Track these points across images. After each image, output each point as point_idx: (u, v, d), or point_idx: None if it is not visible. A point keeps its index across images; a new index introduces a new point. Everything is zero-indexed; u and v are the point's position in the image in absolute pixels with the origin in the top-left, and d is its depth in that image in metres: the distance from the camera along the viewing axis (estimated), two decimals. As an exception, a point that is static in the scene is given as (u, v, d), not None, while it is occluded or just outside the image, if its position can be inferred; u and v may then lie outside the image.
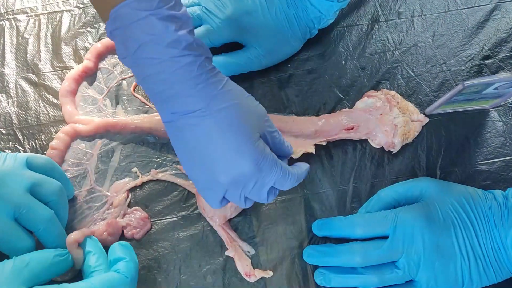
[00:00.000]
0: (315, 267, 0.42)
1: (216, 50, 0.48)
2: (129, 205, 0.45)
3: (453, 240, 0.39)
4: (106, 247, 0.43)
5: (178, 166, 0.47)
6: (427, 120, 0.47)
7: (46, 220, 0.39)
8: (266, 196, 0.36)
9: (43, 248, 0.40)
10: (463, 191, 0.41)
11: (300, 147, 0.45)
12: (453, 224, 0.39)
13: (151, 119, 0.48)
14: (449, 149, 0.47)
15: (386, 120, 0.46)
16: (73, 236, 0.40)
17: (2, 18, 0.55)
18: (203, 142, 0.34)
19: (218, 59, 0.47)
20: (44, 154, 0.47)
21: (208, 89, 0.34)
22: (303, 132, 0.46)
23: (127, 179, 0.46)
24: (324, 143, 0.46)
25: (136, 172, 0.47)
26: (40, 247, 0.40)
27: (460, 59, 0.51)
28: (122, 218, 0.44)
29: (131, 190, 0.46)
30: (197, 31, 0.47)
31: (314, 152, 0.45)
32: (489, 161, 0.46)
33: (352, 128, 0.46)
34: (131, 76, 0.51)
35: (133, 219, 0.44)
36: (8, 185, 0.38)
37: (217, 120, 0.34)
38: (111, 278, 0.36)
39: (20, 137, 0.48)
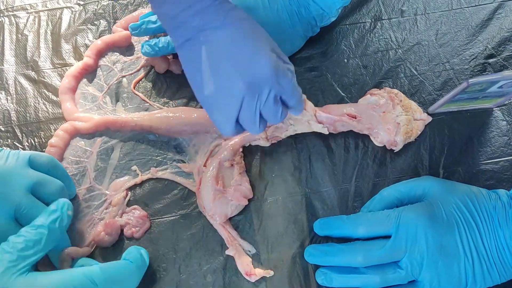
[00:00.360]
0: (317, 267, 0.42)
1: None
2: (129, 204, 0.45)
3: (457, 240, 0.38)
4: (104, 248, 0.43)
5: (179, 164, 0.46)
6: (430, 119, 0.47)
7: (60, 189, 0.40)
8: (280, 112, 0.37)
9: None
10: (467, 191, 0.40)
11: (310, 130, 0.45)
12: (456, 224, 0.39)
13: (151, 116, 0.47)
14: (452, 148, 0.46)
15: (388, 118, 0.45)
16: (67, 251, 0.40)
17: (1, 15, 0.55)
18: (222, 51, 0.36)
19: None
20: (43, 151, 0.46)
21: (225, 4, 0.37)
22: (305, 115, 0.46)
23: (126, 177, 0.46)
24: (326, 132, 0.46)
25: (135, 171, 0.46)
26: None
27: (463, 58, 0.50)
28: (121, 217, 0.44)
29: (131, 188, 0.46)
30: None
31: (326, 132, 0.46)
32: (492, 160, 0.46)
33: (355, 117, 0.45)
34: (131, 74, 0.51)
35: (132, 218, 0.44)
36: (10, 184, 0.38)
37: (236, 28, 0.36)
38: (116, 262, 0.38)
39: (19, 134, 0.48)
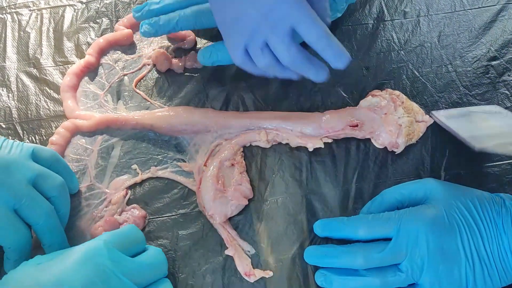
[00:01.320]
0: (316, 268, 0.42)
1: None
2: (129, 203, 0.45)
3: (458, 244, 0.38)
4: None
5: (179, 164, 0.46)
6: (432, 121, 0.46)
7: (47, 214, 0.39)
8: (292, 48, 0.36)
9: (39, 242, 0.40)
10: (469, 194, 0.40)
11: (309, 142, 0.44)
12: (458, 228, 0.38)
13: (152, 115, 0.47)
14: (454, 150, 0.46)
15: (390, 119, 0.45)
16: None
17: (4, 12, 0.55)
18: None
19: (219, 46, 0.47)
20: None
21: None
22: (308, 128, 0.45)
23: (126, 176, 0.46)
24: (330, 140, 0.45)
25: (136, 169, 0.46)
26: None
27: (466, 60, 0.50)
28: (120, 215, 0.44)
29: (131, 187, 0.46)
30: (186, 11, 0.46)
31: (323, 146, 0.45)
32: (494, 163, 0.46)
33: (356, 125, 0.45)
34: (132, 72, 0.51)
35: (130, 217, 0.44)
36: (12, 174, 0.38)
37: None
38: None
39: (20, 131, 0.48)
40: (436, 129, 0.47)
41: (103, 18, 0.54)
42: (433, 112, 0.47)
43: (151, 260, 0.38)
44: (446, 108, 0.48)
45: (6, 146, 0.39)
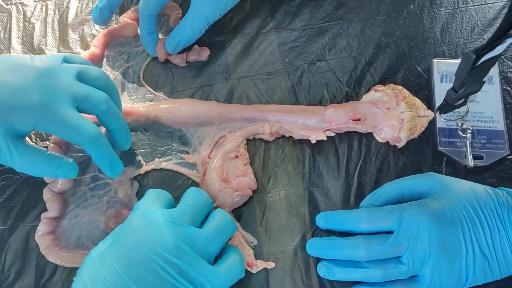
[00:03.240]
0: (318, 260, 0.42)
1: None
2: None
3: (460, 238, 0.38)
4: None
5: (183, 155, 0.47)
6: (433, 115, 0.47)
7: (106, 100, 0.40)
8: None
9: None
10: (471, 188, 0.40)
11: (312, 135, 0.45)
12: (460, 222, 0.39)
13: (157, 107, 0.47)
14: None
15: (393, 114, 0.45)
16: None
17: (9, 3, 0.55)
18: None
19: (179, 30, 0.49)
20: (49, 139, 0.47)
21: None
22: (311, 120, 0.46)
23: (130, 167, 0.46)
24: (332, 134, 0.46)
25: (140, 160, 0.47)
26: None
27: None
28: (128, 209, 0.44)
29: (134, 178, 0.46)
30: None
31: (325, 138, 0.45)
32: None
33: (359, 120, 0.45)
34: (136, 62, 0.51)
35: None
36: (57, 76, 0.39)
37: None
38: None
39: (25, 122, 0.48)
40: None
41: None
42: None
43: (219, 226, 0.38)
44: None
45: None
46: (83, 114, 0.39)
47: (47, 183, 0.44)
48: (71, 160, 0.40)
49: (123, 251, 0.35)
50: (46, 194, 0.43)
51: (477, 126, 0.47)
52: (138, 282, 0.34)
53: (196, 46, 0.51)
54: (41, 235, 0.42)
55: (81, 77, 0.40)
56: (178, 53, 0.51)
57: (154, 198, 0.39)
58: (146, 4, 0.48)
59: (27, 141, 0.47)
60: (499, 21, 0.52)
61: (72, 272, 0.42)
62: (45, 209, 0.43)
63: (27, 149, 0.38)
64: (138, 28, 0.51)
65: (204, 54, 0.51)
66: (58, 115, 0.38)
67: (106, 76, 0.43)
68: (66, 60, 0.41)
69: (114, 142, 0.43)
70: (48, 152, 0.39)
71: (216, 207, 0.43)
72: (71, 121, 0.38)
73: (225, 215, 0.39)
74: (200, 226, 0.38)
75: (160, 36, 0.51)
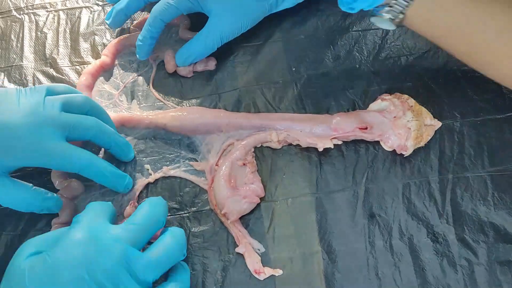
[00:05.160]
0: (326, 268, 0.42)
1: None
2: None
3: None
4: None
5: (191, 163, 0.47)
6: (440, 124, 0.47)
7: (95, 124, 0.41)
8: None
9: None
10: None
11: (319, 143, 0.45)
12: None
13: (166, 115, 0.48)
14: (461, 154, 0.47)
15: (399, 123, 0.46)
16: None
17: (21, 13, 0.56)
18: None
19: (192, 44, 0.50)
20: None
21: None
22: (318, 128, 0.46)
23: (139, 177, 0.47)
24: (339, 142, 0.46)
25: (148, 170, 0.47)
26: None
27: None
28: None
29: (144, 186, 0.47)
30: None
31: (332, 146, 0.46)
32: (500, 167, 0.46)
33: (366, 128, 0.46)
34: (144, 71, 0.52)
35: None
36: (43, 111, 0.39)
37: None
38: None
39: (36, 129, 0.49)
40: (444, 133, 0.47)
41: (118, 20, 0.55)
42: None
43: (165, 253, 0.36)
44: (455, 114, 0.48)
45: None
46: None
47: (58, 189, 0.45)
48: (55, 194, 0.42)
49: (55, 266, 0.33)
50: (57, 200, 0.44)
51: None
52: None
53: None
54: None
55: (66, 107, 0.41)
56: (186, 66, 0.51)
57: (98, 211, 0.37)
58: (163, 9, 0.48)
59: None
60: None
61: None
62: (56, 215, 0.44)
63: (13, 185, 0.39)
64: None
65: (211, 63, 0.52)
66: (48, 150, 0.38)
67: (90, 100, 0.44)
68: (49, 91, 0.41)
69: (115, 156, 0.44)
70: (33, 187, 0.40)
71: (224, 215, 0.44)
72: (61, 153, 0.39)
73: (176, 238, 0.37)
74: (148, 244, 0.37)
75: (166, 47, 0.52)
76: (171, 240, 0.37)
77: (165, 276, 0.38)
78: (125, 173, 0.45)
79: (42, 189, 0.41)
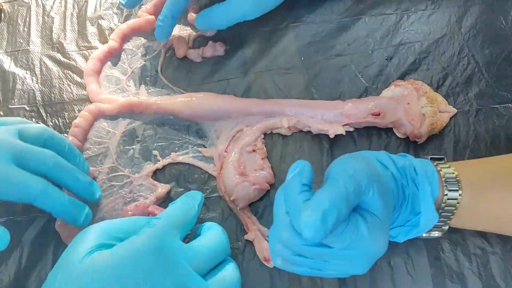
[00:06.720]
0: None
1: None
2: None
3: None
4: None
5: (199, 149, 0.46)
6: (455, 111, 0.46)
7: (51, 157, 0.38)
8: None
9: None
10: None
11: (330, 129, 0.44)
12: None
13: (174, 100, 0.47)
14: (477, 142, 0.46)
15: (413, 109, 0.45)
16: None
17: (29, -3, 0.55)
18: None
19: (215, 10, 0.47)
20: (67, 131, 0.47)
21: None
22: (330, 114, 0.45)
23: (147, 163, 0.46)
24: (351, 129, 0.45)
25: (156, 156, 0.46)
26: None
27: (491, 52, 0.50)
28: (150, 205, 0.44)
29: (154, 174, 0.46)
30: None
31: (344, 132, 0.44)
32: (517, 156, 0.45)
33: (379, 114, 0.45)
34: (153, 56, 0.51)
35: (157, 212, 0.43)
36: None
37: None
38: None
39: (44, 114, 0.49)
40: (459, 120, 0.46)
41: (126, 5, 0.54)
42: None
43: (212, 242, 0.36)
44: (470, 100, 0.47)
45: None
46: None
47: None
48: (3, 227, 0.37)
49: (121, 270, 0.32)
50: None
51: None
52: None
53: (211, 41, 0.51)
54: (61, 224, 0.42)
55: (22, 136, 0.38)
56: (195, 49, 0.50)
57: (177, 214, 0.36)
58: None
59: None
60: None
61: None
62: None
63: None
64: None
65: (220, 49, 0.51)
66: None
67: (49, 131, 0.40)
68: (2, 123, 0.39)
69: (77, 196, 0.40)
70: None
71: (233, 201, 0.43)
72: (12, 179, 0.35)
73: (236, 277, 0.36)
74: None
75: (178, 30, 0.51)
76: (232, 276, 0.36)
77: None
78: (83, 203, 0.40)
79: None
